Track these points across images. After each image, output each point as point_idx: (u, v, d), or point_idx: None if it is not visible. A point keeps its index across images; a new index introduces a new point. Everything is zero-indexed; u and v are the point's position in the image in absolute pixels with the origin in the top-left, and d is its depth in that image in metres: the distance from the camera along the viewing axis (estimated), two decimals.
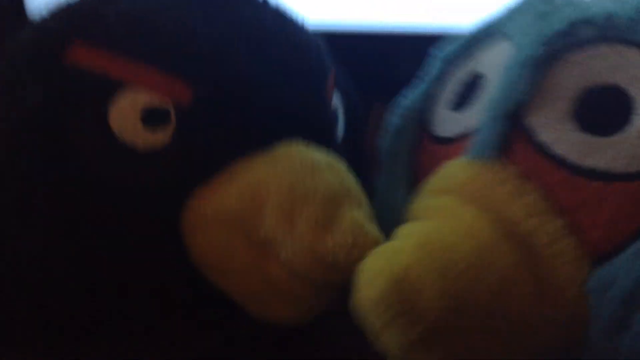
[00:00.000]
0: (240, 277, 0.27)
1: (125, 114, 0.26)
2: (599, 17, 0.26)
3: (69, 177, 0.27)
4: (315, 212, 0.25)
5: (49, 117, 0.27)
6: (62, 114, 0.27)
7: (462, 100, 0.30)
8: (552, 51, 0.26)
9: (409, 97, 0.34)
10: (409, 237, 0.24)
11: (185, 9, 0.29)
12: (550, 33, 0.26)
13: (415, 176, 0.31)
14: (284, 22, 0.31)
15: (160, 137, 0.27)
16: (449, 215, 0.25)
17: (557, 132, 0.25)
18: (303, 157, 0.27)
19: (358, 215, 0.26)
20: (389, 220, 0.30)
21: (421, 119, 0.32)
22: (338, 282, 0.26)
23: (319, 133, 0.30)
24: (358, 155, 0.34)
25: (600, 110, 0.25)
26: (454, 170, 0.26)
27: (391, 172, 0.32)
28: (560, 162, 0.24)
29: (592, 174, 0.24)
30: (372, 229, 0.26)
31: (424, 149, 0.31)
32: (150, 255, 0.27)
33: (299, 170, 0.26)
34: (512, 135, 0.25)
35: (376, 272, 0.23)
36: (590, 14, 0.26)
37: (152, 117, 0.27)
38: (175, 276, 0.28)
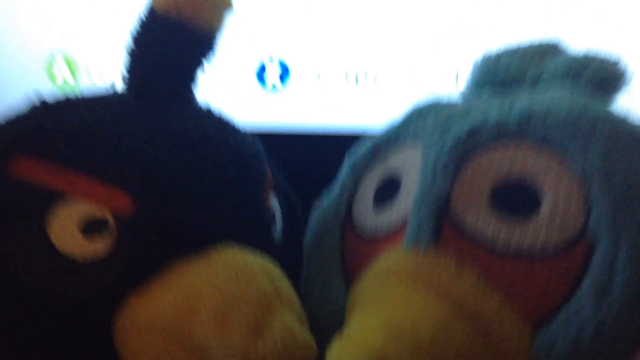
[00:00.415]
0: None
1: (65, 225, 0.27)
2: (492, 124, 0.29)
3: (7, 286, 0.27)
4: (247, 317, 0.26)
5: None
6: (4, 227, 0.27)
7: (383, 200, 0.32)
8: (460, 155, 0.29)
9: (328, 201, 0.36)
10: (370, 321, 0.26)
11: (127, 122, 0.30)
12: (452, 139, 0.29)
13: (348, 273, 0.33)
14: (225, 131, 0.33)
15: (99, 247, 0.27)
16: (402, 299, 0.27)
17: (481, 220, 0.27)
18: (236, 262, 0.28)
19: (289, 319, 0.26)
20: (326, 314, 0.32)
21: (342, 216, 0.34)
22: None
23: (254, 236, 0.31)
24: (297, 254, 0.35)
25: (513, 199, 0.28)
26: (394, 259, 0.28)
27: (323, 270, 0.34)
28: (488, 247, 0.27)
29: (519, 256, 0.26)
30: (303, 333, 0.27)
31: (352, 247, 0.33)
32: None
33: (232, 276, 0.27)
34: (441, 225, 0.28)
35: (350, 354, 0.24)
36: (484, 114, 0.30)
37: (91, 228, 0.27)
38: None
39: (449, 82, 0.53)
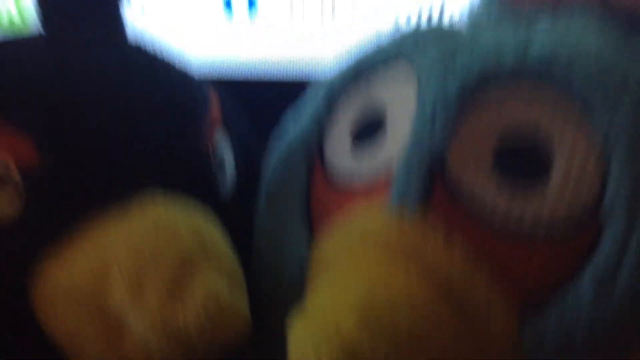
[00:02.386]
0: None
1: None
2: (508, 58, 0.25)
3: None
4: (163, 278, 0.22)
5: None
6: None
7: (362, 135, 0.28)
8: (466, 93, 0.25)
9: (295, 125, 0.31)
10: (340, 298, 0.22)
11: (37, 64, 0.27)
12: (461, 75, 0.25)
13: (313, 216, 0.29)
14: (154, 68, 0.29)
15: (5, 209, 0.24)
16: (379, 274, 0.23)
17: (480, 184, 0.24)
18: (157, 215, 0.24)
19: (214, 281, 0.23)
20: (284, 270, 0.28)
21: (311, 150, 0.30)
22: None
23: (188, 182, 0.27)
24: (252, 208, 0.32)
25: (520, 159, 0.24)
26: (374, 220, 0.25)
27: (281, 209, 0.30)
28: (485, 220, 0.23)
29: (517, 232, 0.23)
30: (230, 297, 0.23)
31: (320, 189, 0.29)
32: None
33: (150, 231, 0.23)
34: (433, 185, 0.24)
35: (318, 341, 0.21)
36: (498, 54, 0.25)
37: None
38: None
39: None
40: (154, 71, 0.29)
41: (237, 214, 0.30)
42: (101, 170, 0.25)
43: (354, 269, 0.24)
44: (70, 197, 0.25)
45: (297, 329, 0.22)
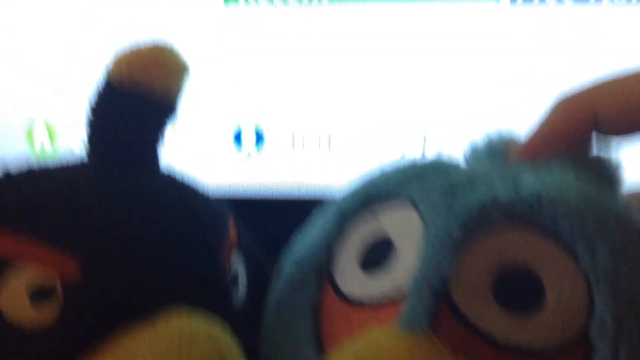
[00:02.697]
0: None
1: (15, 294, 0.27)
2: (504, 200, 0.27)
3: None
4: None
5: None
6: None
7: (372, 262, 0.30)
8: (468, 234, 0.27)
9: (307, 248, 0.33)
10: None
11: (82, 189, 0.30)
12: (462, 214, 0.27)
13: (322, 334, 0.30)
14: (183, 193, 0.33)
15: (47, 315, 0.27)
16: None
17: (481, 310, 0.26)
18: (181, 328, 0.27)
19: None
20: None
21: (321, 267, 0.32)
22: None
23: (210, 300, 0.30)
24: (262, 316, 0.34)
25: (516, 291, 0.26)
26: (384, 342, 0.26)
27: (295, 329, 0.31)
28: (487, 340, 0.25)
29: (517, 352, 0.25)
30: None
31: (330, 305, 0.31)
32: None
33: (175, 343, 0.26)
34: (439, 310, 0.26)
35: None
36: (495, 195, 0.28)
37: (40, 295, 0.27)
38: None
39: (418, 147, 0.54)
40: (184, 198, 0.33)
41: (247, 322, 0.32)
42: (135, 287, 0.28)
43: None
44: (104, 309, 0.27)
45: None
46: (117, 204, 0.30)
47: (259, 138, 0.56)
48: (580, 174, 0.30)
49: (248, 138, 0.56)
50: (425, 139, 0.54)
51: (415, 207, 0.30)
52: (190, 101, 0.35)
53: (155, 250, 0.29)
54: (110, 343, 0.27)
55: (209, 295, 0.31)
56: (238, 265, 0.35)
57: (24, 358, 0.26)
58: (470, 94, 0.53)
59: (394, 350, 0.25)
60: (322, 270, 0.32)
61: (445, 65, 0.53)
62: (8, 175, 0.32)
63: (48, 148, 0.57)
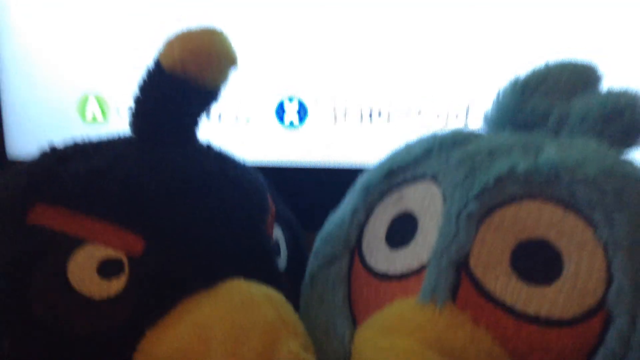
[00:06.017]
0: None
1: (83, 268, 0.29)
2: (520, 173, 0.28)
3: (31, 328, 0.29)
4: (256, 345, 0.27)
5: (14, 275, 0.29)
6: (26, 272, 0.29)
7: (396, 237, 0.31)
8: (484, 207, 0.28)
9: (336, 224, 0.35)
10: None
11: (134, 165, 0.32)
12: (479, 188, 0.28)
13: (354, 307, 0.32)
14: (226, 166, 0.35)
15: (115, 286, 0.29)
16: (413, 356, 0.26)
17: (500, 281, 0.27)
18: (242, 293, 0.29)
19: (294, 346, 0.28)
20: (328, 347, 0.32)
21: (351, 241, 0.34)
22: None
23: (259, 267, 0.32)
24: (300, 281, 0.36)
25: (535, 262, 0.27)
26: (407, 312, 0.28)
27: (328, 300, 0.33)
28: (506, 310, 0.26)
29: (536, 321, 0.26)
30: (309, 358, 0.28)
31: (359, 278, 0.32)
32: None
33: (239, 307, 0.28)
34: (459, 281, 0.27)
35: None
36: (512, 167, 0.29)
37: (107, 268, 0.29)
38: None
39: (460, 118, 0.53)
40: (227, 168, 0.34)
41: (290, 286, 0.34)
42: (194, 260, 0.30)
43: (387, 357, 0.26)
44: (167, 281, 0.29)
45: None
46: (168, 180, 0.32)
47: (303, 111, 0.57)
48: (604, 140, 0.30)
49: (290, 111, 0.57)
50: (468, 109, 0.53)
51: (436, 181, 0.31)
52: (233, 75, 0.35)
53: (209, 223, 0.31)
54: (176, 311, 0.29)
55: (259, 263, 0.33)
56: (278, 234, 0.36)
57: (94, 325, 0.29)
58: (513, 64, 0.51)
59: (416, 320, 0.27)
60: (351, 245, 0.34)
61: (485, 34, 0.52)
62: (55, 150, 0.34)
63: (100, 119, 0.59)
